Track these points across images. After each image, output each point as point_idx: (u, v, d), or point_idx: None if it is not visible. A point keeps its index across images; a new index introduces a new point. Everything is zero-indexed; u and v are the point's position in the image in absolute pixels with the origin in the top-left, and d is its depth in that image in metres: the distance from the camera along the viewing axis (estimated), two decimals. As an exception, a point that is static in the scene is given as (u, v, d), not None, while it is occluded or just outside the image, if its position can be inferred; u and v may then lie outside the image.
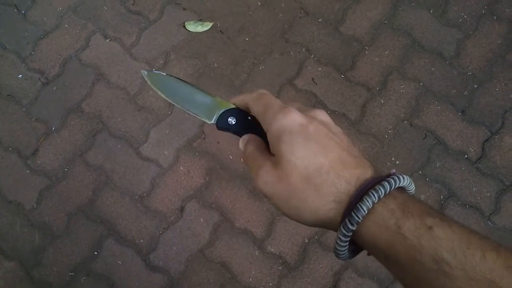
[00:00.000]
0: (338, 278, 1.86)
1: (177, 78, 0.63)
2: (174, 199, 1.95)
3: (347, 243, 0.47)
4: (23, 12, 2.21)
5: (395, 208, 0.44)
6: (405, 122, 2.02)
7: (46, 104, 2.07)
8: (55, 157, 2.01)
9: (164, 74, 0.64)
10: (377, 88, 2.07)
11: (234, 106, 0.60)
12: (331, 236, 1.89)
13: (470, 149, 1.98)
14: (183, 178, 1.98)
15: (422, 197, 1.92)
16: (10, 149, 2.02)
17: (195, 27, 2.19)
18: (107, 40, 2.17)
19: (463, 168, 1.95)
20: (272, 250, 1.89)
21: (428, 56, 2.10)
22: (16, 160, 2.01)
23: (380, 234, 0.44)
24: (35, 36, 2.17)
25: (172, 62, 2.13)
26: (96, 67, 2.12)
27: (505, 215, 1.89)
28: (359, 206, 0.44)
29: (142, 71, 0.66)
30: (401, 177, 0.46)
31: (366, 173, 0.48)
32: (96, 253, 1.91)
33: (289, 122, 0.50)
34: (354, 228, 0.45)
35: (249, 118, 0.59)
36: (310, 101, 2.05)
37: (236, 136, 0.60)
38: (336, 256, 0.49)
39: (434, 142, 1.99)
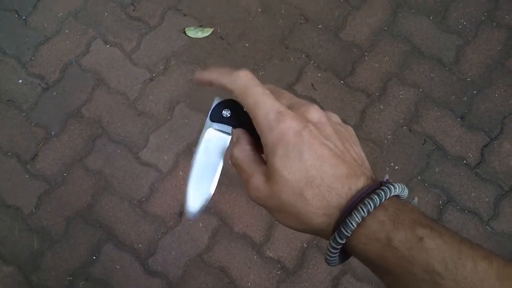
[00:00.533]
0: (336, 283, 1.88)
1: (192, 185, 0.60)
2: (173, 204, 1.98)
3: (337, 253, 0.48)
4: (23, 17, 2.26)
5: (386, 220, 0.44)
6: (405, 127, 2.05)
7: (46, 109, 2.11)
8: (54, 162, 2.04)
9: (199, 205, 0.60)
10: (377, 94, 2.10)
11: (227, 98, 0.57)
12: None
13: (469, 154, 2.01)
14: (182, 183, 2.01)
15: (421, 202, 1.95)
16: (10, 153, 2.05)
17: (195, 33, 2.23)
18: (108, 46, 2.21)
19: (462, 174, 1.98)
20: (271, 254, 1.92)
21: (427, 62, 2.14)
22: (15, 165, 2.04)
23: (371, 246, 0.45)
24: (36, 41, 2.22)
25: (172, 68, 2.17)
26: (96, 72, 2.16)
27: (503, 220, 1.92)
28: (348, 221, 0.45)
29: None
30: (392, 187, 0.47)
31: (358, 182, 0.48)
32: (94, 257, 1.94)
33: (284, 131, 0.48)
34: (343, 242, 0.46)
35: (244, 109, 0.55)
36: (310, 107, 2.08)
37: (227, 129, 0.57)
38: (326, 263, 0.50)
39: (433, 147, 2.02)
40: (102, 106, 2.12)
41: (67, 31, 2.24)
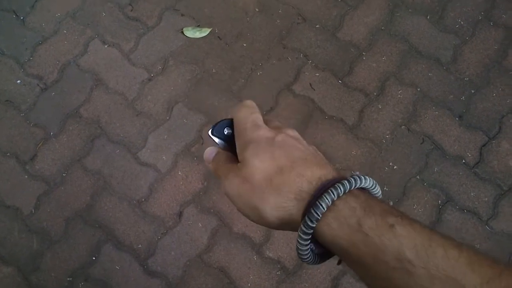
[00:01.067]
0: (336, 283, 1.90)
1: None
2: (172, 204, 1.99)
3: (308, 243, 0.48)
4: (21, 18, 2.26)
5: (357, 207, 0.45)
6: (403, 127, 2.07)
7: (44, 109, 2.11)
8: (53, 162, 2.05)
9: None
10: (375, 94, 2.12)
11: (231, 118, 0.62)
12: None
13: (468, 154, 2.03)
14: (181, 183, 2.02)
15: (420, 202, 1.96)
16: (9, 154, 2.06)
17: (193, 33, 2.24)
18: (106, 46, 2.22)
19: (460, 173, 2.00)
20: (271, 255, 1.93)
21: (425, 62, 2.15)
22: (14, 165, 2.05)
23: (341, 232, 0.45)
24: (34, 41, 2.22)
25: (170, 68, 2.18)
26: (95, 72, 2.17)
27: (502, 220, 1.94)
28: (318, 203, 0.46)
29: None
30: (362, 178, 0.48)
31: (328, 174, 0.50)
32: (94, 258, 1.94)
33: (256, 137, 0.54)
34: (313, 225, 0.46)
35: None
36: (308, 107, 2.09)
37: (222, 146, 0.62)
38: (300, 258, 0.50)
39: (432, 147, 2.04)
40: (101, 106, 2.12)
41: (65, 31, 2.25)
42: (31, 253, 1.95)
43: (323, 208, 0.45)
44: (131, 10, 2.28)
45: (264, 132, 0.54)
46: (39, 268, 1.94)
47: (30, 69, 2.18)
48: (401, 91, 2.12)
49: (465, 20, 2.22)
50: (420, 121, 2.07)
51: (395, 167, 2.01)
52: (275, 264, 1.92)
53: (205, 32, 2.25)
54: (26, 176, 2.04)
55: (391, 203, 1.95)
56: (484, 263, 0.39)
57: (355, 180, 0.47)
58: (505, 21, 2.20)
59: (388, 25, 2.23)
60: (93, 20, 2.27)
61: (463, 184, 1.99)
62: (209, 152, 0.61)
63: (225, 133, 0.60)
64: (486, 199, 1.97)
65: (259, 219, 0.52)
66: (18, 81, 2.16)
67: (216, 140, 0.61)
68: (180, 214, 1.98)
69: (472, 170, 2.01)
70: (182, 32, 2.25)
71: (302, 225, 0.47)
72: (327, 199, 0.45)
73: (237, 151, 0.55)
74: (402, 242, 0.41)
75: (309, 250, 0.49)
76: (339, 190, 0.46)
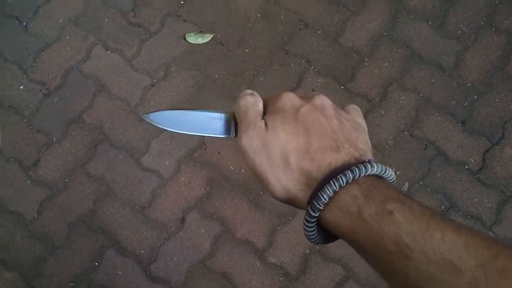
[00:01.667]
0: (339, 289, 1.91)
1: (178, 109, 0.65)
2: (175, 210, 2.01)
3: (313, 227, 0.50)
4: (24, 24, 2.28)
5: (358, 195, 0.46)
6: (406, 133, 2.08)
7: (47, 115, 2.13)
8: (56, 168, 2.06)
9: (164, 111, 0.64)
10: (377, 99, 2.13)
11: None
12: (332, 247, 1.94)
13: (471, 159, 2.04)
14: (184, 188, 2.03)
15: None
16: (12, 159, 2.07)
17: (195, 39, 2.26)
18: (108, 52, 2.24)
19: (464, 179, 2.01)
20: (273, 260, 1.94)
21: (427, 68, 2.17)
22: (17, 171, 2.06)
23: (343, 219, 0.47)
24: (36, 47, 2.24)
25: (172, 74, 2.20)
26: (97, 78, 2.19)
27: (506, 226, 1.95)
28: (320, 195, 0.47)
29: (143, 116, 0.67)
30: (369, 165, 0.48)
31: (339, 158, 0.50)
32: (96, 263, 1.95)
33: (285, 102, 0.56)
34: (316, 215, 0.48)
35: None
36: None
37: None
38: (307, 239, 0.52)
39: (435, 153, 2.05)
40: (103, 112, 2.14)
41: (67, 37, 2.26)
42: (34, 259, 1.96)
43: (325, 199, 0.47)
44: (134, 16, 2.30)
45: (292, 97, 0.56)
46: (41, 273, 1.95)
47: (33, 75, 2.20)
48: (403, 96, 2.13)
49: (467, 26, 2.24)
50: (423, 127, 2.09)
51: (398, 172, 2.02)
52: (278, 270, 1.93)
53: (207, 38, 2.26)
54: (29, 182, 2.05)
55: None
56: (481, 245, 0.40)
57: (359, 169, 0.48)
58: (507, 27, 2.22)
59: (390, 31, 2.25)
60: (95, 26, 2.28)
61: (466, 190, 2.00)
62: (249, 92, 0.61)
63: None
64: (489, 205, 1.98)
65: (265, 187, 0.54)
66: (21, 87, 2.18)
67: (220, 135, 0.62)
68: (182, 220, 2.00)
69: (475, 176, 2.02)
70: (185, 38, 2.27)
71: (306, 214, 0.49)
72: (328, 190, 0.47)
73: (267, 113, 0.57)
74: (400, 227, 0.42)
75: (315, 232, 0.50)
76: (341, 181, 0.47)
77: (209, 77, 2.20)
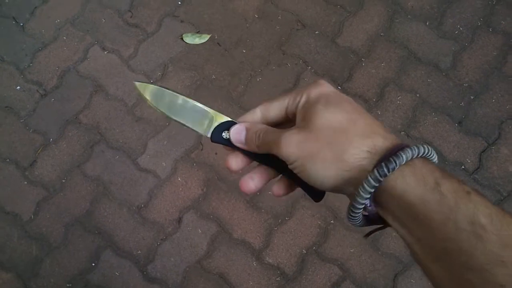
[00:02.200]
0: (336, 289, 1.91)
1: (170, 90, 0.64)
2: (171, 210, 2.01)
3: (369, 196, 0.47)
4: (21, 24, 2.29)
5: (434, 169, 0.45)
6: (402, 133, 2.09)
7: (44, 115, 2.13)
8: (52, 168, 2.07)
9: (157, 86, 0.64)
10: (374, 100, 2.14)
11: (229, 119, 0.61)
12: (329, 247, 1.95)
13: (467, 160, 2.04)
14: (180, 189, 2.03)
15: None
16: (8, 160, 2.08)
17: (192, 39, 2.26)
18: (105, 52, 2.24)
19: (460, 179, 2.01)
20: (270, 261, 1.95)
21: (424, 68, 2.18)
22: (13, 171, 2.06)
23: (416, 187, 0.44)
24: (33, 48, 2.24)
25: (169, 74, 2.20)
26: (94, 79, 2.19)
27: (502, 226, 1.95)
28: (400, 154, 0.45)
29: (134, 82, 0.65)
30: (425, 146, 0.47)
31: (397, 138, 0.49)
32: (93, 264, 1.96)
33: (326, 88, 0.53)
34: (387, 174, 0.45)
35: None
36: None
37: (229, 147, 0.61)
38: (351, 211, 0.49)
39: (431, 153, 2.05)
40: (100, 112, 2.14)
41: (64, 37, 2.27)
42: (31, 259, 1.97)
43: (403, 160, 0.45)
44: (131, 17, 2.31)
45: (330, 86, 0.54)
46: (38, 274, 1.95)
47: (29, 76, 2.20)
48: (400, 97, 2.14)
49: (464, 26, 2.25)
50: (420, 127, 2.09)
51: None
52: (275, 270, 1.94)
53: (204, 38, 2.27)
54: (26, 182, 2.05)
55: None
56: None
57: (428, 148, 0.47)
58: (504, 28, 2.23)
59: (387, 31, 2.26)
60: (92, 27, 2.29)
61: (463, 190, 2.00)
62: (237, 132, 0.59)
63: (224, 137, 0.60)
64: (485, 205, 1.98)
65: (321, 175, 0.50)
66: (18, 88, 2.18)
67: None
68: (179, 220, 2.00)
69: (472, 176, 2.02)
70: (182, 39, 2.27)
71: (375, 171, 0.45)
72: (408, 152, 0.45)
73: (301, 109, 0.54)
74: (478, 208, 0.41)
75: (364, 207, 0.48)
76: (421, 150, 0.46)
77: (206, 78, 2.20)
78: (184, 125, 0.61)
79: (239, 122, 0.60)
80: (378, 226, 0.53)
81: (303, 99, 0.54)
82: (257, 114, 0.59)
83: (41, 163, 2.08)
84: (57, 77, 2.20)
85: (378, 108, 2.13)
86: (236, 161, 0.60)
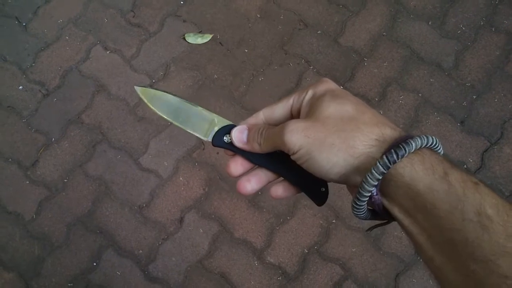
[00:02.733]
0: (337, 289, 1.92)
1: (171, 93, 0.64)
2: (173, 210, 2.02)
3: (376, 183, 0.46)
4: (24, 24, 2.30)
5: (442, 159, 0.45)
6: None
7: (46, 115, 2.15)
8: (55, 168, 2.08)
9: (158, 90, 0.65)
10: (377, 99, 2.14)
11: (230, 123, 0.61)
12: (330, 247, 1.95)
13: (470, 159, 2.04)
14: (182, 188, 2.04)
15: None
16: (10, 160, 2.09)
17: (195, 39, 2.27)
18: (108, 52, 2.25)
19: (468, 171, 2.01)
20: (272, 260, 1.95)
21: (427, 68, 2.18)
22: (16, 171, 2.07)
23: (424, 175, 0.44)
24: (36, 48, 2.26)
25: (172, 74, 2.21)
26: (96, 78, 2.20)
27: (505, 225, 1.95)
28: (409, 142, 0.45)
29: (135, 87, 0.65)
30: (431, 137, 0.47)
31: (403, 131, 0.49)
32: (95, 264, 1.97)
33: (331, 85, 0.55)
34: (397, 160, 0.45)
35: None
36: (310, 112, 2.11)
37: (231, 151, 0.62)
38: (357, 199, 0.48)
39: (434, 152, 2.05)
40: (102, 112, 2.15)
41: (67, 37, 2.28)
42: (33, 259, 1.98)
43: (412, 147, 0.45)
44: (133, 17, 2.32)
45: (332, 82, 0.55)
46: (40, 274, 1.96)
47: (32, 75, 2.21)
48: (402, 96, 2.14)
49: (467, 26, 2.25)
50: (422, 126, 2.10)
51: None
52: (276, 270, 1.94)
53: (206, 38, 2.28)
54: (28, 182, 2.06)
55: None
56: None
57: (435, 139, 0.47)
58: (507, 27, 2.23)
59: (389, 31, 2.26)
60: (95, 26, 2.30)
61: (465, 190, 2.00)
62: (239, 132, 0.59)
63: (225, 140, 0.60)
64: (488, 204, 1.98)
65: (328, 162, 0.49)
66: (20, 87, 2.19)
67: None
68: (181, 220, 2.01)
69: (477, 177, 2.02)
70: (184, 38, 2.28)
71: (385, 157, 0.45)
72: (417, 141, 0.45)
73: (307, 102, 0.54)
74: (485, 198, 0.41)
75: (370, 197, 0.48)
76: (423, 141, 0.46)
77: (208, 77, 2.21)
78: (184, 129, 0.62)
79: (233, 123, 0.61)
80: (382, 221, 0.53)
81: (309, 95, 0.55)
82: (260, 117, 0.60)
83: (43, 163, 2.09)
84: (60, 76, 2.21)
85: (380, 108, 2.13)
86: (235, 167, 0.61)
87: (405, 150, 0.44)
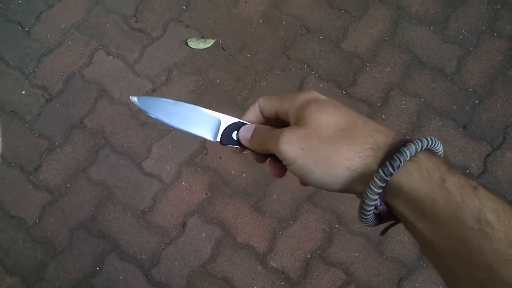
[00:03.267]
0: (340, 293, 1.92)
1: (169, 99, 0.62)
2: (176, 214, 2.03)
3: (378, 195, 0.46)
4: (26, 29, 2.31)
5: (440, 163, 0.44)
6: (407, 137, 2.09)
7: (49, 120, 2.16)
8: (57, 173, 2.09)
9: (156, 97, 0.62)
10: (379, 104, 2.15)
11: (236, 120, 0.60)
12: (333, 251, 1.96)
13: (472, 164, 2.05)
14: (185, 193, 2.05)
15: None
16: (13, 164, 2.10)
17: (197, 44, 2.28)
18: (110, 57, 2.27)
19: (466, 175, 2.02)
20: (275, 265, 1.96)
21: (429, 72, 2.19)
22: (18, 176, 2.09)
23: (422, 184, 0.43)
24: (39, 53, 2.27)
25: (174, 79, 2.22)
26: (99, 83, 2.21)
27: (507, 230, 1.96)
28: (403, 151, 0.44)
29: (131, 97, 0.63)
30: (429, 138, 0.46)
31: (398, 134, 0.48)
32: (98, 268, 1.97)
33: (315, 94, 0.54)
34: (393, 172, 0.44)
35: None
36: (312, 117, 2.12)
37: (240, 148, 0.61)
38: (362, 212, 0.48)
39: (436, 157, 2.06)
40: (105, 117, 2.17)
41: (70, 42, 2.29)
42: (35, 263, 1.99)
43: (407, 156, 0.44)
44: (136, 22, 2.33)
45: (317, 93, 0.54)
46: (43, 278, 1.97)
47: (35, 80, 2.23)
48: (405, 101, 2.15)
49: (469, 31, 2.26)
50: (424, 131, 2.11)
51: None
52: (279, 274, 1.95)
53: (209, 43, 2.29)
54: (31, 186, 2.07)
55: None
56: None
57: (431, 139, 0.46)
58: (509, 32, 2.24)
59: (391, 36, 2.27)
60: (97, 32, 2.31)
61: (468, 194, 2.01)
62: (245, 130, 0.59)
63: (234, 138, 0.60)
64: (490, 209, 1.99)
65: (324, 175, 0.49)
66: (23, 92, 2.21)
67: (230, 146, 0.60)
68: (184, 224, 2.02)
69: (477, 181, 2.03)
70: (186, 43, 2.29)
71: (380, 170, 0.45)
72: (412, 148, 0.44)
73: (292, 113, 0.53)
74: (485, 204, 0.40)
75: (374, 207, 0.47)
76: (424, 143, 0.45)
77: (210, 82, 2.22)
78: (191, 133, 0.60)
79: (244, 120, 0.60)
80: (391, 222, 0.52)
81: (296, 103, 0.54)
82: (256, 107, 0.60)
83: (46, 168, 2.10)
84: (62, 81, 2.22)
85: (382, 113, 2.14)
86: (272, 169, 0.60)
87: (400, 160, 0.44)
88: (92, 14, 2.35)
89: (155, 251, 1.99)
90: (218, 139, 0.60)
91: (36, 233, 2.02)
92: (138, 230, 2.01)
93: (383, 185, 0.45)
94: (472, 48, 2.23)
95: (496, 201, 0.41)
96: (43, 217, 2.04)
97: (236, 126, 0.60)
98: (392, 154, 0.45)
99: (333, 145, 0.48)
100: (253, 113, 0.60)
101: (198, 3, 2.36)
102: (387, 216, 0.49)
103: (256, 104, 0.59)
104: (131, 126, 2.15)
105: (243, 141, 0.59)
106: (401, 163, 0.44)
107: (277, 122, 0.58)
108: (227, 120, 0.60)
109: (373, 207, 0.47)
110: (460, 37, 2.25)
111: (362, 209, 0.48)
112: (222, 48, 2.29)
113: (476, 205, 0.40)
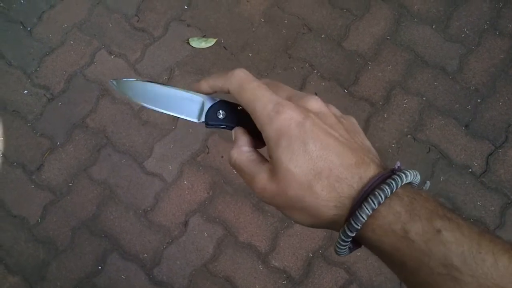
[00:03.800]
0: (342, 292, 1.92)
1: (149, 81, 0.61)
2: (178, 214, 2.03)
3: (347, 245, 0.47)
4: (28, 29, 2.31)
5: (402, 211, 0.43)
6: (409, 136, 2.09)
7: (51, 119, 2.16)
8: (59, 172, 2.09)
9: (134, 79, 0.61)
10: (381, 103, 2.15)
11: (219, 99, 0.59)
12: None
13: (474, 163, 2.05)
14: (187, 192, 2.05)
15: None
16: (15, 164, 2.10)
17: (199, 43, 2.28)
18: (112, 56, 2.27)
19: (467, 182, 2.02)
20: (277, 264, 1.96)
21: (431, 71, 2.19)
22: (20, 175, 2.09)
23: (386, 238, 0.43)
24: (41, 52, 2.27)
25: (176, 78, 2.22)
26: (101, 83, 2.22)
27: (510, 229, 1.96)
28: (358, 214, 0.44)
29: (110, 81, 0.62)
30: (403, 175, 0.45)
31: (368, 170, 0.46)
32: (100, 267, 1.98)
33: (285, 122, 0.47)
34: (353, 235, 0.45)
35: (239, 108, 0.58)
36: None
37: (226, 129, 0.59)
38: (336, 253, 0.49)
39: (438, 156, 2.06)
40: (107, 116, 2.17)
41: (71, 42, 2.30)
42: (37, 263, 1.99)
43: (363, 219, 0.44)
44: (138, 21, 2.33)
45: (291, 113, 0.48)
46: (45, 277, 1.97)
47: (37, 80, 2.23)
48: (406, 100, 2.15)
49: (471, 30, 2.26)
50: (426, 130, 2.10)
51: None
52: (281, 274, 1.95)
53: (210, 42, 2.29)
54: (33, 186, 2.08)
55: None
56: None
57: (395, 181, 0.44)
58: (511, 31, 2.23)
59: (393, 34, 2.27)
60: (99, 31, 2.32)
61: (470, 193, 2.01)
62: (232, 153, 0.56)
63: (220, 117, 0.58)
64: (493, 208, 1.99)
65: (301, 223, 0.50)
66: (25, 92, 2.21)
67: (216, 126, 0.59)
68: (185, 224, 2.02)
69: (479, 179, 2.03)
70: (188, 43, 2.29)
71: (341, 234, 0.46)
72: (367, 209, 0.44)
73: (265, 141, 0.50)
74: (450, 248, 0.40)
75: (347, 247, 0.48)
76: (380, 198, 0.44)
77: (212, 81, 2.21)
78: (173, 115, 0.59)
79: (222, 99, 0.59)
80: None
81: (264, 135, 0.50)
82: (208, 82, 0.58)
83: (48, 167, 2.10)
84: (64, 81, 2.23)
85: (384, 112, 2.14)
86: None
87: (363, 217, 0.44)
88: (94, 14, 2.35)
89: (157, 250, 2.00)
90: (203, 119, 0.59)
91: (38, 233, 2.02)
92: (140, 229, 2.02)
93: (348, 242, 0.46)
94: (474, 47, 2.23)
95: (461, 242, 0.40)
96: (45, 217, 2.04)
97: (219, 106, 0.58)
98: (354, 213, 0.45)
99: (301, 205, 0.47)
100: (205, 84, 0.59)
101: (199, 2, 2.36)
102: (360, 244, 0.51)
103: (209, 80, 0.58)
104: (133, 125, 2.15)
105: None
106: (364, 218, 0.44)
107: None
108: (210, 100, 0.59)
109: (346, 247, 0.48)
110: (462, 35, 2.25)
111: (336, 247, 0.49)
112: (224, 47, 2.29)
113: (441, 251, 0.40)
